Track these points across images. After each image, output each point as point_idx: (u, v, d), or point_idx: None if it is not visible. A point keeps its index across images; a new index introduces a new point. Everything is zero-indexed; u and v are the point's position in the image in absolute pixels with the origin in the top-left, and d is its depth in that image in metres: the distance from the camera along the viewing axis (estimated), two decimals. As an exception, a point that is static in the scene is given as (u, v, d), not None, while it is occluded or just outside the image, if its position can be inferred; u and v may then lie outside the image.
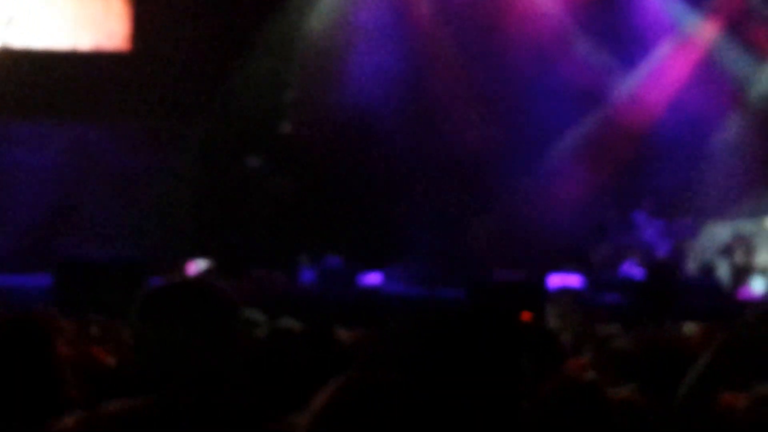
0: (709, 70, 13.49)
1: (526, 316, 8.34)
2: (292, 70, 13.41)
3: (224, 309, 2.36)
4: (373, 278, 12.86)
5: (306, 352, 3.79)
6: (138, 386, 2.26)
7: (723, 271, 12.61)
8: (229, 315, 2.38)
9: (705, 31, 13.69)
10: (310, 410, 2.01)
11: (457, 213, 13.63)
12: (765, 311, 7.60)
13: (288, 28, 13.19)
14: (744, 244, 12.70)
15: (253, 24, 13.21)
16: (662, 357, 4.00)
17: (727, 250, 12.81)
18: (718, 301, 11.73)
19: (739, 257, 12.61)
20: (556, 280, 11.94)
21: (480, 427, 2.21)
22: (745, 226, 12.94)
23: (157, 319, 2.24)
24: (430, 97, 13.89)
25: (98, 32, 13.04)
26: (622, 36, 13.74)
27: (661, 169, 13.34)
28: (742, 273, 12.43)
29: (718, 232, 13.18)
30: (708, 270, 12.80)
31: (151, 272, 9.50)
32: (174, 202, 12.74)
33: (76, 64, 12.74)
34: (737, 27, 13.51)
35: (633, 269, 12.94)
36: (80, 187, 12.66)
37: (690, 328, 5.99)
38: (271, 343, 4.18)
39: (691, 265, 13.11)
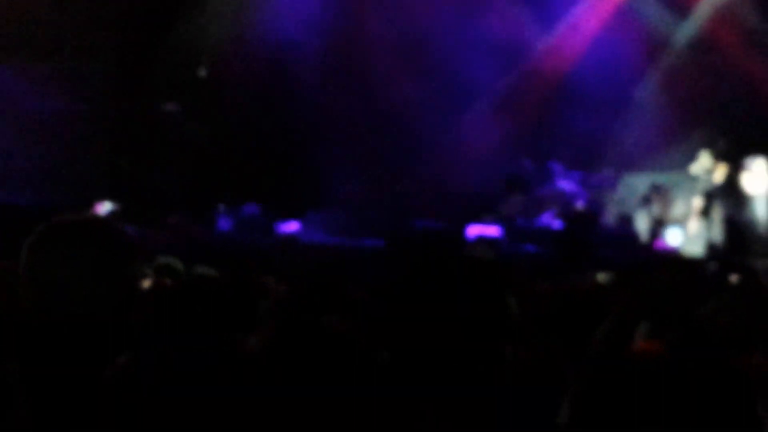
0: (627, 22, 13.41)
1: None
2: (209, 13, 12.83)
3: (119, 250, 2.29)
4: (291, 226, 12.58)
5: (223, 297, 3.73)
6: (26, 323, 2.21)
7: (641, 222, 12.56)
8: (124, 257, 2.30)
9: None
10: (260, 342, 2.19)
11: (377, 164, 13.53)
12: (676, 261, 7.71)
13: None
14: (662, 195, 12.62)
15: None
16: (577, 306, 4.01)
17: (644, 202, 12.73)
18: (634, 251, 11.88)
19: (656, 209, 12.53)
20: (474, 230, 11.91)
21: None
22: (663, 177, 12.95)
23: (46, 253, 2.16)
24: (355, 46, 13.60)
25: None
26: None
27: (579, 120, 13.17)
28: (659, 224, 12.38)
29: (637, 184, 13.20)
30: (626, 221, 12.81)
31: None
32: (87, 147, 12.30)
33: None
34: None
35: (551, 220, 12.96)
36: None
37: (604, 277, 6.24)
38: (189, 289, 4.08)
39: (610, 217, 13.14)
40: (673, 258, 10.37)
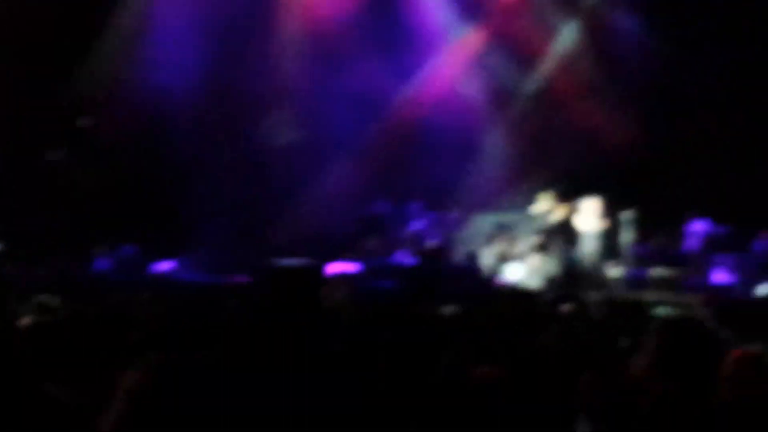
0: (477, 75, 14.76)
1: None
2: (93, 65, 13.65)
3: None
4: (165, 266, 13.40)
5: (98, 334, 3.91)
6: None
7: (486, 258, 13.64)
8: None
9: (474, 38, 15.07)
10: (122, 388, 2.23)
11: (246, 206, 14.33)
12: (514, 294, 8.53)
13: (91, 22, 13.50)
14: (505, 233, 13.84)
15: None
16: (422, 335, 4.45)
17: (489, 239, 13.87)
18: (478, 285, 12.68)
19: (500, 246, 13.63)
20: (334, 267, 12.33)
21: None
22: (507, 217, 14.11)
23: None
24: (227, 96, 14.39)
25: None
26: (398, 43, 14.82)
27: (433, 165, 14.23)
28: (503, 260, 13.43)
29: (483, 223, 14.33)
30: (472, 257, 13.75)
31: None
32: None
33: None
34: (505, 36, 14.87)
35: (405, 257, 14.09)
36: None
37: (449, 309, 6.29)
38: (65, 325, 4.16)
39: (459, 254, 14.17)
40: (512, 291, 10.72)
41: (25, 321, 4.24)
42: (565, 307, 7.73)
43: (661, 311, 7.96)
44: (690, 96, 14.72)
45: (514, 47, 15.22)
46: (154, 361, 2.57)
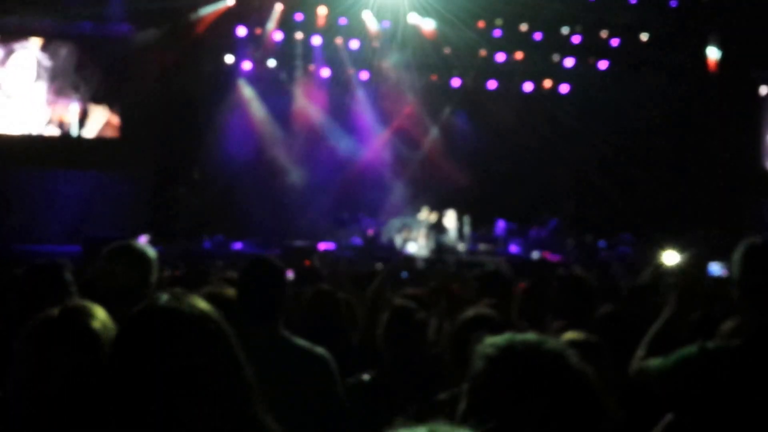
0: (390, 148, 22.11)
1: (307, 262, 16.30)
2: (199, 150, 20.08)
3: (139, 255, 3.70)
4: (238, 245, 19.43)
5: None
6: None
7: (398, 241, 19.74)
8: (142, 261, 3.55)
9: (388, 131, 22.45)
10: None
11: (276, 213, 20.23)
12: (405, 258, 17.87)
13: (193, 126, 20.11)
14: (406, 228, 20.13)
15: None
16: (366, 277, 6.70)
17: (399, 231, 20.06)
18: (393, 255, 18.06)
19: (405, 234, 19.96)
20: (322, 245, 18.67)
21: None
22: (407, 220, 20.47)
23: None
24: (264, 157, 21.21)
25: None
26: (354, 131, 22.04)
27: (370, 193, 21.20)
28: (405, 242, 19.73)
29: (395, 222, 20.48)
30: (390, 240, 19.76)
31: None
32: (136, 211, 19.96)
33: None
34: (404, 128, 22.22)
35: (357, 240, 20.00)
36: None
37: (378, 266, 9.10)
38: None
39: (384, 239, 19.87)
40: (410, 257, 16.92)
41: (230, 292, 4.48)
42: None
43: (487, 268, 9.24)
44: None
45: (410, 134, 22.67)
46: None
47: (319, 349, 3.42)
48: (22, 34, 20.20)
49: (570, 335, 3.44)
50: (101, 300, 2.87)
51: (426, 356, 4.10)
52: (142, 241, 16.24)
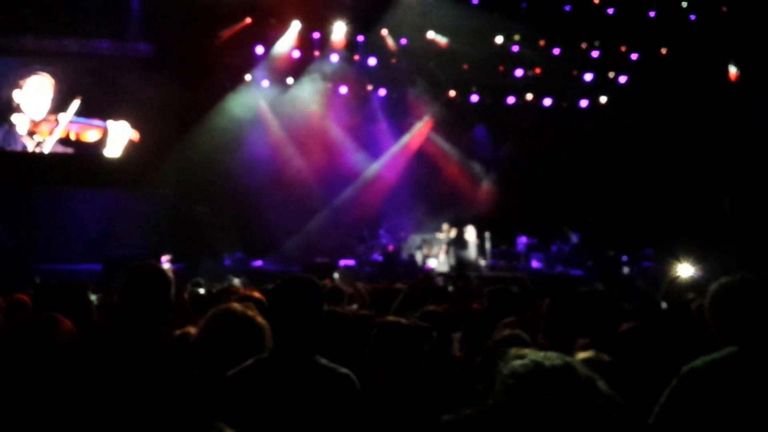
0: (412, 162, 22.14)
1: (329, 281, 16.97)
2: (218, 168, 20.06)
3: (159, 276, 3.69)
4: (258, 263, 19.73)
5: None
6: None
7: (418, 257, 20.01)
8: (162, 281, 3.63)
9: (408, 149, 22.64)
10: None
11: (296, 229, 20.38)
12: (428, 274, 17.92)
13: (211, 144, 20.14)
14: (426, 244, 20.37)
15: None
16: (387, 294, 6.57)
17: (419, 247, 20.36)
18: (415, 269, 18.67)
19: (424, 250, 20.21)
20: (342, 261, 19.06)
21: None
22: (427, 236, 20.74)
23: None
24: (283, 171, 21.16)
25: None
26: (372, 147, 22.05)
27: (388, 208, 21.47)
28: (426, 257, 19.92)
29: (415, 239, 20.89)
30: (411, 256, 20.13)
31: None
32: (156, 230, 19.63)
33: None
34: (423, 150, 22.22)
35: (377, 256, 20.15)
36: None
37: (401, 285, 7.95)
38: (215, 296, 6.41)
39: (404, 255, 20.28)
40: (429, 273, 17.17)
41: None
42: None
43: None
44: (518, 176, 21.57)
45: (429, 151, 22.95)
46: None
47: (344, 370, 3.42)
48: (41, 53, 20.45)
49: (582, 355, 3.40)
50: (121, 318, 3.10)
51: (449, 373, 4.06)
52: (164, 261, 17.31)
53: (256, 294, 5.44)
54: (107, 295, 6.61)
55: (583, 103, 23.26)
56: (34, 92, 20.58)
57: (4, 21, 19.38)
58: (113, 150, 20.93)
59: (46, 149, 20.43)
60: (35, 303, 4.28)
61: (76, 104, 20.59)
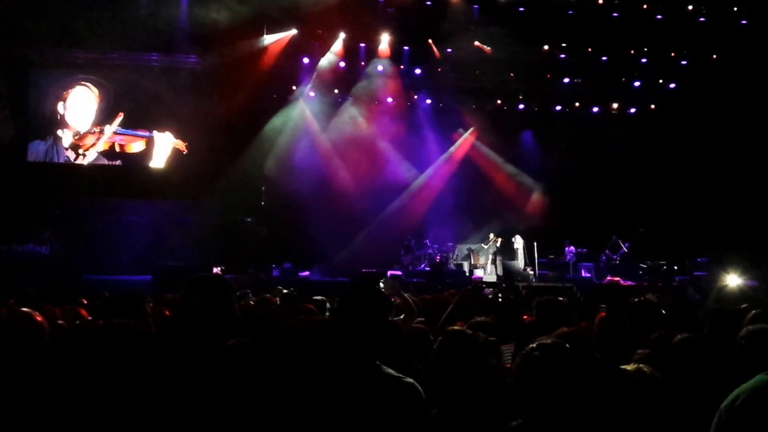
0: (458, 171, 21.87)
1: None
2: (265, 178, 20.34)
3: (224, 287, 3.55)
4: (305, 273, 19.64)
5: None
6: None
7: (465, 266, 19.93)
8: (227, 292, 3.54)
9: (454, 158, 22.44)
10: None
11: (343, 240, 20.20)
12: (477, 285, 17.29)
13: (259, 154, 20.41)
14: (473, 254, 20.33)
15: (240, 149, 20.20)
16: (436, 304, 6.73)
17: (466, 257, 20.33)
18: (462, 280, 18.27)
19: (471, 260, 20.17)
20: (389, 272, 18.81)
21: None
22: (474, 245, 20.71)
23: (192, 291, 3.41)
24: (330, 181, 21.15)
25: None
26: (418, 157, 22.00)
27: (433, 218, 21.23)
28: (473, 267, 19.85)
29: (463, 249, 20.79)
30: (458, 266, 19.90)
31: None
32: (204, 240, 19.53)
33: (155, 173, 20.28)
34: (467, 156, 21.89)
35: (425, 267, 20.25)
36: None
37: (450, 293, 8.35)
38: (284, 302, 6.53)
39: (452, 264, 20.18)
40: (479, 283, 15.69)
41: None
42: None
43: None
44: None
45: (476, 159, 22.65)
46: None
47: (409, 379, 3.43)
48: (90, 66, 20.77)
49: (627, 368, 3.41)
50: (184, 328, 3.08)
51: (498, 383, 3.98)
52: (216, 272, 16.68)
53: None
54: (158, 305, 6.52)
55: (632, 110, 22.89)
56: (79, 103, 20.87)
57: (55, 35, 19.80)
58: (157, 161, 21.10)
59: (89, 161, 20.73)
60: (93, 313, 4.34)
61: (120, 117, 20.90)
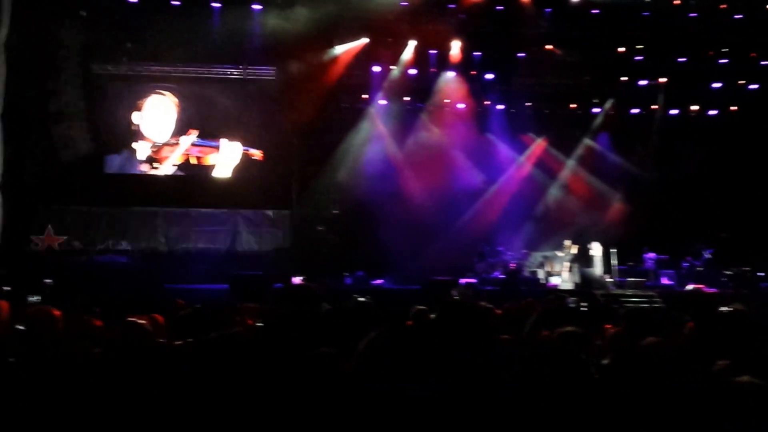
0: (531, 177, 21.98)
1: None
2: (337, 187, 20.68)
3: (311, 297, 3.92)
4: (378, 281, 19.85)
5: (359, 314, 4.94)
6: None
7: (541, 274, 19.90)
8: (312, 301, 3.91)
9: (526, 164, 22.46)
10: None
11: (415, 248, 19.96)
12: (556, 295, 17.33)
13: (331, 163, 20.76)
14: (548, 261, 20.21)
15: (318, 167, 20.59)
16: (514, 315, 6.47)
17: (541, 265, 20.26)
18: (538, 288, 18.49)
19: (547, 268, 20.03)
20: (462, 280, 18.60)
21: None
22: (548, 253, 20.64)
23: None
24: (401, 189, 21.14)
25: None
26: (489, 163, 21.97)
27: (510, 225, 21.21)
28: (548, 275, 19.73)
29: (537, 256, 20.76)
30: (534, 273, 19.88)
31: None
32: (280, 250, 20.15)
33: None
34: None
35: (498, 274, 19.92)
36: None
37: (528, 301, 7.93)
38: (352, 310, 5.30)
39: (527, 272, 20.35)
40: (560, 293, 15.84)
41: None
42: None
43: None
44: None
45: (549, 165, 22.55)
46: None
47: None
48: (165, 78, 21.13)
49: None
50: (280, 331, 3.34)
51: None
52: (296, 282, 17.20)
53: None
54: (239, 313, 6.58)
55: (712, 112, 22.38)
56: (156, 113, 21.19)
57: (131, 49, 20.36)
58: (224, 170, 21.32)
59: (164, 172, 21.06)
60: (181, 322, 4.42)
61: (197, 126, 21.27)
